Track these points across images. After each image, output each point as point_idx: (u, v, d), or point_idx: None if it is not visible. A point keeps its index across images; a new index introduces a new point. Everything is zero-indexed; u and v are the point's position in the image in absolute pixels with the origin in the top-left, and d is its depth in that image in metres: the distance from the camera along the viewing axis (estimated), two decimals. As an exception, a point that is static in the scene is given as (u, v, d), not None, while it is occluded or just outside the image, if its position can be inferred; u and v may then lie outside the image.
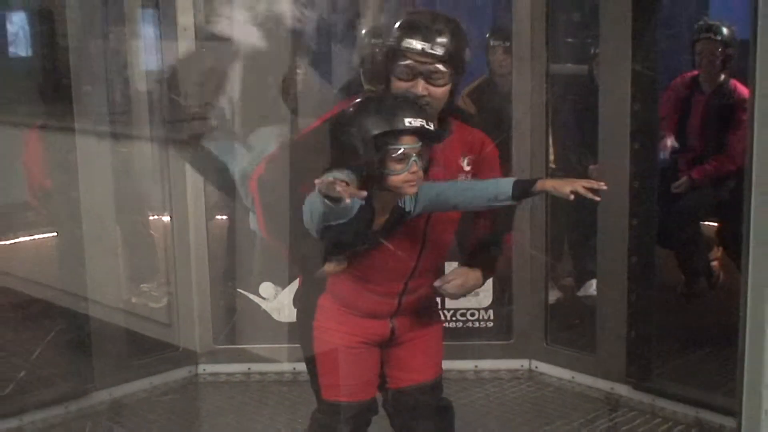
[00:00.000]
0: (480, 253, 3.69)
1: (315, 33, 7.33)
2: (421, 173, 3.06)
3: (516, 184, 3.20)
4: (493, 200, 3.24)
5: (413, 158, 3.01)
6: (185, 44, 5.72)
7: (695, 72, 6.48)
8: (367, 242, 3.23)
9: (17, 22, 7.58)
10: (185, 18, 5.71)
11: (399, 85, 3.27)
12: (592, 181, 3.13)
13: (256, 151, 3.57)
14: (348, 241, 3.19)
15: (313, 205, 3.03)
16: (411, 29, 3.28)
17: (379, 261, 3.33)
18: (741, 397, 2.04)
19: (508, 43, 6.24)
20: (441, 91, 3.29)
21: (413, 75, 3.25)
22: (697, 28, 6.45)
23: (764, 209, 1.93)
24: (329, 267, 3.27)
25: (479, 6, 8.11)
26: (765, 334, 1.94)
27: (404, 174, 3.01)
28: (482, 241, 3.70)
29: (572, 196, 3.04)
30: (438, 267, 3.61)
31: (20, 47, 7.43)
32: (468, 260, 3.66)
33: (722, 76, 6.41)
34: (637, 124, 5.13)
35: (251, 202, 3.49)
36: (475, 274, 3.58)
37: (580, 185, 3.07)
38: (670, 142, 6.41)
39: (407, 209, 3.20)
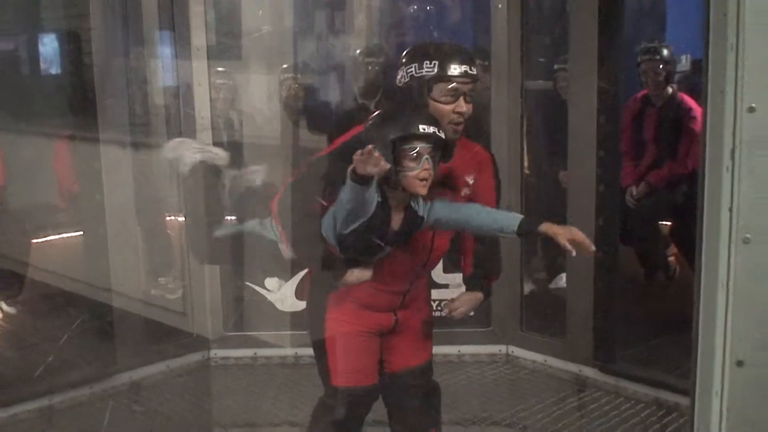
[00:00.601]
0: (481, 278, 3.83)
1: (315, 51, 7.33)
2: (432, 172, 3.13)
3: (523, 221, 3.29)
4: (498, 231, 3.34)
5: (425, 157, 3.09)
6: (198, 63, 5.72)
7: (646, 90, 6.51)
8: (386, 243, 3.26)
9: (48, 43, 7.55)
10: (198, 39, 5.71)
11: (442, 108, 3.29)
12: (586, 239, 3.21)
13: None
14: (368, 244, 3.22)
15: (336, 211, 3.15)
16: (450, 57, 3.34)
17: (391, 264, 3.38)
18: (694, 380, 2.04)
19: (486, 62, 6.26)
20: (471, 107, 3.36)
21: (457, 96, 3.31)
22: (640, 51, 6.50)
23: (714, 209, 1.93)
24: (352, 276, 3.31)
25: (461, 29, 8.09)
26: (716, 322, 1.93)
27: (417, 171, 3.08)
28: (484, 266, 3.81)
29: (569, 246, 3.16)
30: (433, 269, 3.65)
31: (50, 66, 7.40)
32: (472, 285, 3.83)
33: (669, 91, 6.46)
34: (602, 134, 5.14)
35: (273, 228, 3.50)
36: (477, 297, 3.80)
37: (574, 238, 3.18)
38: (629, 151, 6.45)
39: (420, 213, 3.26)
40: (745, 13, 1.80)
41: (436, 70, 3.33)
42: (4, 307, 6.76)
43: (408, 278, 3.51)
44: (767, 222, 1.86)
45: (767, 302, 1.88)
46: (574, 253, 3.15)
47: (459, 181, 3.48)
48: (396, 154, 3.08)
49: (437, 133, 3.12)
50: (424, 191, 3.15)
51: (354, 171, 2.97)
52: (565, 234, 3.23)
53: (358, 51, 6.87)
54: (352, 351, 3.58)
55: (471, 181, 3.52)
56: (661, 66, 6.38)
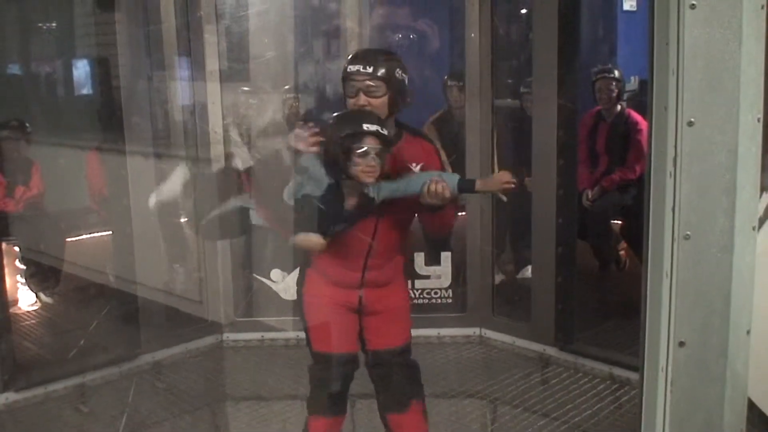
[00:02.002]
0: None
1: (313, 73, 7.34)
2: (377, 167, 3.22)
3: (460, 180, 3.35)
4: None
5: (371, 155, 3.19)
6: (212, 84, 5.71)
7: (599, 107, 6.53)
8: (344, 221, 3.37)
9: (80, 68, 7.54)
10: (211, 64, 5.70)
11: (349, 102, 3.40)
12: (512, 178, 3.30)
13: None
14: (321, 216, 3.31)
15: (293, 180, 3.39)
16: (352, 59, 3.44)
17: (345, 241, 3.43)
18: (643, 358, 2.05)
19: (461, 83, 6.28)
20: (379, 102, 3.36)
21: (356, 91, 3.36)
22: (595, 71, 6.54)
23: (659, 209, 1.94)
24: (299, 237, 3.33)
25: (440, 54, 8.12)
26: (661, 308, 1.94)
27: (362, 166, 3.19)
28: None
29: (504, 197, 3.21)
30: (390, 257, 3.63)
31: (83, 87, 7.40)
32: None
33: (619, 107, 6.51)
34: (561, 145, 5.16)
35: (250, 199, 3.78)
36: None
37: (504, 185, 3.31)
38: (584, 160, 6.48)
39: (371, 195, 3.32)
40: (684, 42, 1.82)
41: (342, 71, 3.45)
42: (43, 297, 6.74)
43: (361, 256, 3.51)
44: (704, 220, 1.88)
45: (705, 290, 1.90)
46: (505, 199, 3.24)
47: (407, 170, 3.47)
48: (345, 149, 3.19)
49: (380, 130, 3.20)
50: (370, 180, 3.23)
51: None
52: (496, 186, 3.41)
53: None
54: (324, 320, 3.63)
55: (418, 169, 3.50)
56: (613, 84, 6.43)
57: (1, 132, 6.31)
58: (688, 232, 1.87)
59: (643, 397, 2.03)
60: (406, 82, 3.48)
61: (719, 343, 1.91)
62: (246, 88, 6.31)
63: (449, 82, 6.60)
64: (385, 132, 3.24)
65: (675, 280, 1.89)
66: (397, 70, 3.43)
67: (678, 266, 1.89)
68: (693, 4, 1.81)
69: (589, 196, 6.31)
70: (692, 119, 1.84)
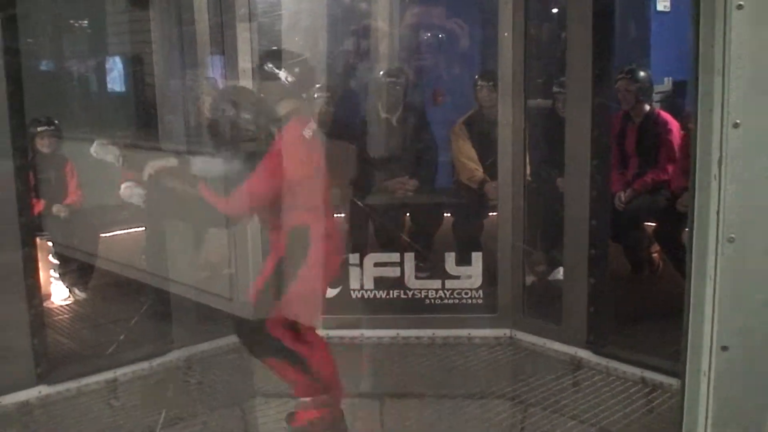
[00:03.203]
0: None
1: (344, 72, 7.34)
2: None
3: None
4: None
5: None
6: (244, 83, 5.72)
7: (627, 109, 6.49)
8: None
9: (114, 66, 7.59)
10: (244, 62, 5.71)
11: None
12: None
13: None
14: None
15: None
16: None
17: None
18: (684, 362, 2.03)
19: (491, 83, 6.28)
20: None
21: None
22: (617, 71, 6.47)
23: (703, 213, 1.92)
24: None
25: (470, 54, 8.09)
26: (704, 312, 1.92)
27: None
28: None
29: None
30: None
31: (116, 85, 7.45)
32: None
33: (647, 108, 6.47)
34: (595, 146, 5.12)
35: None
36: None
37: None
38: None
39: None
40: (731, 43, 1.80)
41: None
42: (77, 292, 6.80)
43: None
44: (749, 223, 1.85)
45: (748, 294, 1.87)
46: None
47: None
48: None
49: None
50: None
51: None
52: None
53: (381, 72, 6.87)
54: None
55: None
56: (633, 85, 6.37)
57: (33, 129, 6.35)
58: (733, 235, 1.85)
59: (685, 402, 2.01)
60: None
61: (763, 347, 1.89)
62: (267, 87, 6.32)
63: (480, 82, 6.58)
64: None
65: (718, 283, 1.87)
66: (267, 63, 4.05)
67: (721, 270, 1.87)
68: (740, 5, 1.79)
69: (622, 199, 6.26)
70: (738, 121, 1.82)
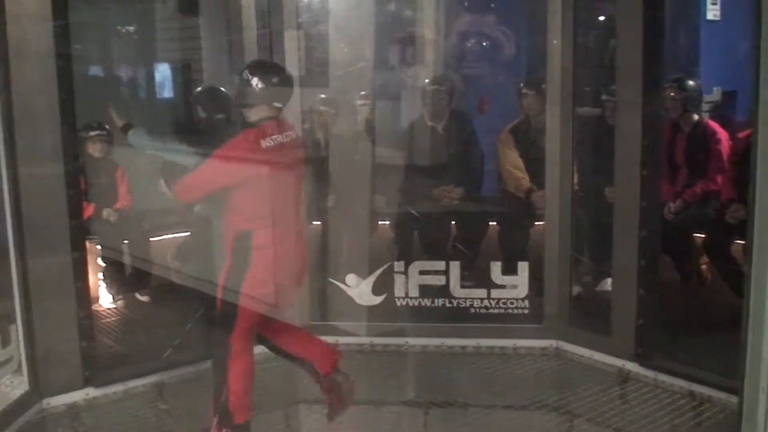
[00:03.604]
0: None
1: (389, 79, 7.35)
2: None
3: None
4: None
5: None
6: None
7: (674, 118, 6.41)
8: None
9: (162, 72, 7.66)
10: (291, 69, 5.72)
11: None
12: None
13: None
14: None
15: None
16: None
17: None
18: (742, 378, 1.98)
19: (534, 91, 6.26)
20: None
21: None
22: (667, 80, 6.39)
23: (763, 224, 1.88)
24: None
25: (517, 61, 8.07)
26: (764, 326, 1.88)
27: None
28: None
29: None
30: None
31: (165, 91, 7.52)
32: None
33: (695, 117, 6.41)
34: (646, 155, 5.06)
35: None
36: None
37: None
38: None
39: None
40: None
41: None
42: (138, 297, 6.89)
43: None
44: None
45: (811, 308, 1.83)
46: None
47: None
48: None
49: None
50: None
51: None
52: None
53: (426, 80, 6.87)
54: None
55: None
56: (679, 94, 6.29)
57: (85, 134, 6.42)
58: (795, 248, 1.81)
59: (743, 418, 1.96)
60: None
61: (825, 364, 1.84)
62: (313, 94, 6.36)
63: (525, 90, 6.55)
64: None
65: (780, 297, 1.83)
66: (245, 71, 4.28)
67: (783, 282, 1.83)
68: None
69: (672, 209, 6.17)
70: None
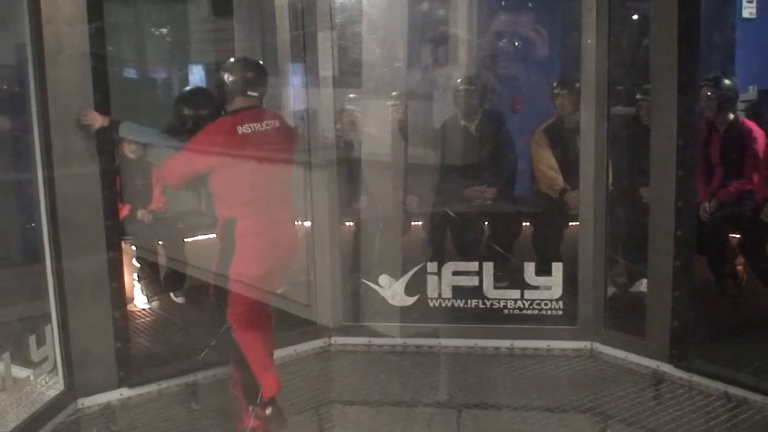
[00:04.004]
0: None
1: (422, 80, 7.34)
2: None
3: None
4: None
5: None
6: (325, 91, 5.77)
7: (709, 116, 6.35)
8: None
9: (196, 73, 7.72)
10: (325, 70, 5.77)
11: None
12: None
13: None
14: None
15: None
16: None
17: None
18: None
19: (566, 90, 6.25)
20: None
21: None
22: (702, 79, 6.33)
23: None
24: None
25: (550, 61, 8.03)
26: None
27: None
28: None
29: None
30: None
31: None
32: None
33: (731, 117, 6.34)
34: (681, 155, 5.02)
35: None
36: None
37: None
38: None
39: None
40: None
41: None
42: (173, 297, 6.95)
43: None
44: None
45: None
46: None
47: None
48: None
49: None
50: None
51: None
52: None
53: (459, 80, 6.86)
54: None
55: None
56: (715, 92, 6.23)
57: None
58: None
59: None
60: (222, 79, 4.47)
61: None
62: (346, 95, 6.38)
63: (559, 90, 6.52)
64: None
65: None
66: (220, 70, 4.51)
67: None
68: None
69: (707, 209, 6.12)
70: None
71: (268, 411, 4.55)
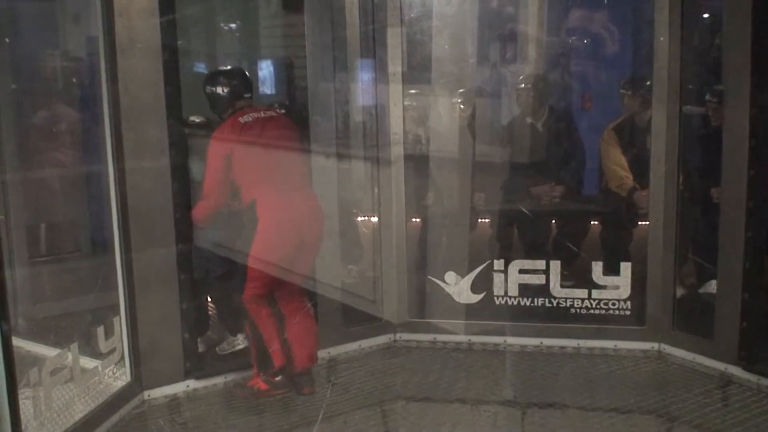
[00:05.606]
0: None
1: (490, 77, 7.38)
2: None
3: None
4: None
5: None
6: (394, 86, 5.87)
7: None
8: None
9: (265, 68, 7.82)
10: (394, 66, 5.87)
11: None
12: None
13: None
14: None
15: None
16: None
17: None
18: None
19: (634, 89, 6.28)
20: None
21: None
22: None
23: None
24: None
25: (620, 59, 8.00)
26: None
27: None
28: None
29: None
30: None
31: (266, 87, 7.67)
32: None
33: None
34: (753, 155, 5.03)
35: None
36: None
37: None
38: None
39: None
40: None
41: None
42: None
43: None
44: None
45: None
46: None
47: None
48: None
49: None
50: None
51: None
52: None
53: (520, 77, 6.89)
54: None
55: None
56: None
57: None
58: None
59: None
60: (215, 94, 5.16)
61: None
62: (415, 91, 6.44)
63: (627, 89, 6.52)
64: None
65: None
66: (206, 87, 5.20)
67: None
68: None
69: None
70: None
71: (278, 379, 5.06)
